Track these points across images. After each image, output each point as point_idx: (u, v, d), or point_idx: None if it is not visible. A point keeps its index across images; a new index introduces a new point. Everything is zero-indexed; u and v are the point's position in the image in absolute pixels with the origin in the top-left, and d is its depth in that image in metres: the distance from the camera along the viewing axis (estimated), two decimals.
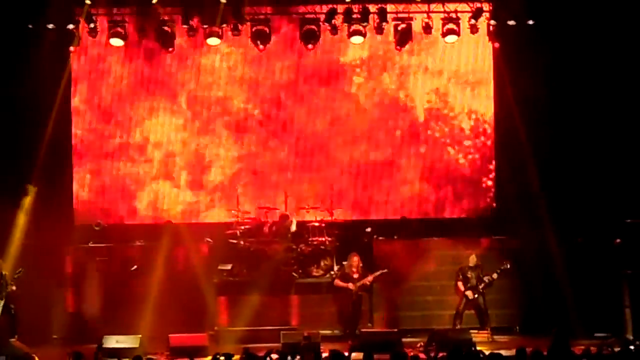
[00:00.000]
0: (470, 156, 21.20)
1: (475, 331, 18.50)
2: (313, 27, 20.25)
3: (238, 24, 20.03)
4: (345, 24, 20.17)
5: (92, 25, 19.94)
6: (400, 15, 20.33)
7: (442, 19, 20.25)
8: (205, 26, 19.96)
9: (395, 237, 20.23)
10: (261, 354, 13.86)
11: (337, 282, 19.18)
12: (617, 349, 14.73)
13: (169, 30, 20.08)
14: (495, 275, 18.79)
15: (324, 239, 19.93)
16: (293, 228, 19.92)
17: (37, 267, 18.63)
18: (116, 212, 20.94)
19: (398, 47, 20.61)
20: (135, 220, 20.89)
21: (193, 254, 19.49)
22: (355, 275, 19.01)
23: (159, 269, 19.10)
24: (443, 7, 20.32)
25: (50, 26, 19.67)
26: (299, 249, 19.84)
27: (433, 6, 20.30)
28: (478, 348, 15.76)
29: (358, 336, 18.10)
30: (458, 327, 18.68)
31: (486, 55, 21.05)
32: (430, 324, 19.03)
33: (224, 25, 19.93)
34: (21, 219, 19.26)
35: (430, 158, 21.16)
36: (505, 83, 20.55)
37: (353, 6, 20.02)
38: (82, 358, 13.47)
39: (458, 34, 20.20)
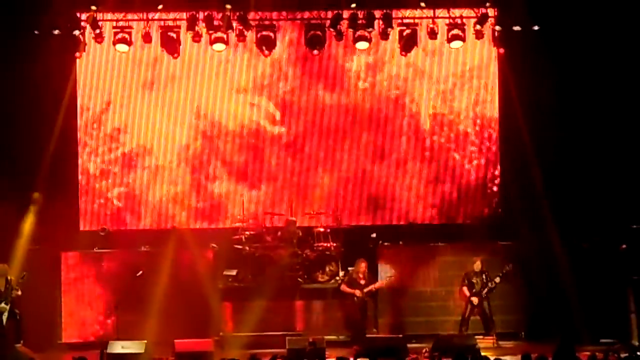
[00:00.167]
0: (475, 161, 21.19)
1: (481, 337, 18.46)
2: (318, 32, 20.27)
3: (243, 29, 20.08)
4: (351, 30, 20.19)
5: (97, 31, 19.97)
6: (405, 20, 20.30)
7: (447, 24, 20.22)
8: (210, 32, 19.98)
9: (401, 243, 20.20)
10: (266, 359, 13.86)
11: (344, 287, 19.16)
12: (623, 355, 14.70)
13: (174, 36, 20.13)
14: (497, 280, 18.77)
15: (329, 244, 19.94)
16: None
17: (42, 273, 18.67)
18: (121, 218, 20.96)
19: (403, 53, 20.59)
20: (140, 226, 20.91)
21: (198, 259, 19.48)
22: (362, 282, 19.00)
23: (164, 274, 19.05)
24: (448, 12, 20.30)
25: (56, 32, 19.71)
26: (304, 255, 19.85)
27: (438, 12, 20.30)
28: (483, 354, 15.69)
29: (363, 342, 18.08)
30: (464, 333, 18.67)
31: (491, 61, 21.06)
32: (435, 330, 18.96)
33: (229, 31, 19.97)
34: (26, 225, 19.29)
35: (436, 163, 21.17)
36: (511, 88, 20.55)
37: (358, 12, 20.01)
38: None
39: (463, 39, 20.17)
